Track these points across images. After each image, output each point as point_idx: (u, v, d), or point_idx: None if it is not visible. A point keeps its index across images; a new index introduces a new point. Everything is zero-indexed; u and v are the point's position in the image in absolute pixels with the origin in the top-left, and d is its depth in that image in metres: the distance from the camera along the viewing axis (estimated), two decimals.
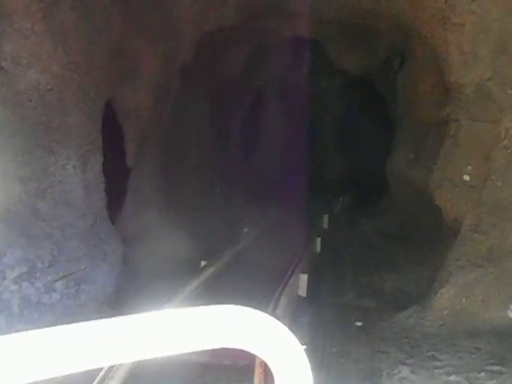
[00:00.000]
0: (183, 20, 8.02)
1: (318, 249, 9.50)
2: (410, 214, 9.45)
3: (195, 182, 9.99)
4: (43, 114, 5.18)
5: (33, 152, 5.18)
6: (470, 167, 6.40)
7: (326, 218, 11.67)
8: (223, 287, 6.15)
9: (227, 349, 0.72)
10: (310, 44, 12.89)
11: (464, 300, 5.54)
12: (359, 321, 6.05)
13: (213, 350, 0.72)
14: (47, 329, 0.67)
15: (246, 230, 9.88)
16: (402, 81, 10.08)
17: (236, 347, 0.71)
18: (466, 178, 6.37)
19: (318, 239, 9.60)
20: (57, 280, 5.20)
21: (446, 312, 5.59)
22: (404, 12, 7.30)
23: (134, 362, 3.86)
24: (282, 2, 8.95)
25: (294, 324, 5.56)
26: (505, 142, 6.02)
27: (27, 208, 5.09)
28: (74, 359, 0.64)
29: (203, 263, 7.10)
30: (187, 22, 8.09)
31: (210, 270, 6.72)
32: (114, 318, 0.69)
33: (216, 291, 5.97)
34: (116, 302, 5.94)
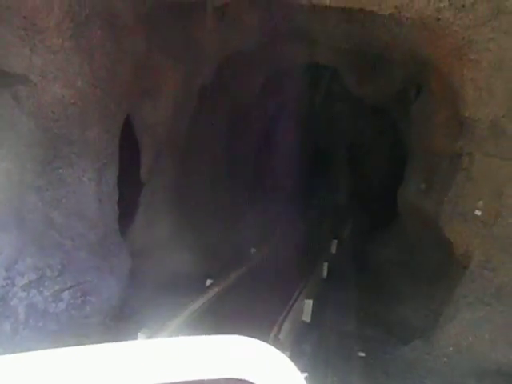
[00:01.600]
0: (206, 42, 8.25)
1: (325, 274, 9.43)
2: (419, 244, 9.38)
3: (206, 199, 10.07)
4: (65, 126, 5.34)
5: (51, 163, 5.32)
6: (481, 202, 6.37)
7: (334, 243, 11.60)
8: (227, 309, 6.14)
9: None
10: (328, 71, 13.10)
11: (470, 338, 5.45)
12: (362, 351, 5.97)
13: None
14: (51, 350, 0.68)
15: (253, 250, 9.88)
16: (417, 112, 10.14)
17: (238, 377, 0.73)
18: (478, 212, 6.34)
19: (325, 264, 9.54)
20: (64, 290, 5.26)
21: (451, 349, 5.50)
22: (421, 46, 7.42)
23: None
24: (303, 30, 9.16)
25: (296, 350, 5.51)
26: None
27: (41, 217, 5.20)
28: (77, 382, 0.65)
29: (209, 282, 7.10)
30: (210, 44, 8.31)
31: (215, 290, 6.72)
32: (116, 343, 0.70)
33: (220, 312, 5.96)
34: (120, 315, 5.97)
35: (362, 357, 5.77)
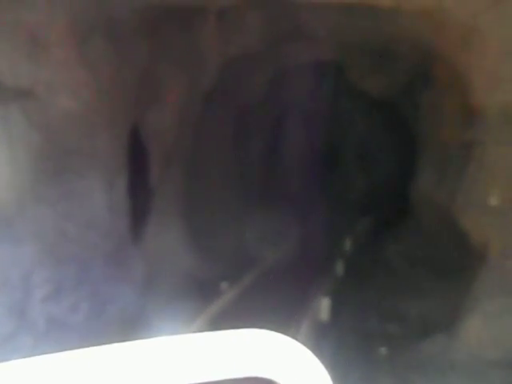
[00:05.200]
0: (207, 46, 8.26)
1: (341, 271, 9.38)
2: (435, 237, 9.25)
3: (217, 203, 10.08)
4: (73, 138, 5.39)
5: (62, 175, 5.37)
6: (496, 191, 6.26)
7: (348, 239, 11.55)
8: (244, 310, 6.13)
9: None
10: (332, 67, 13.02)
11: (492, 329, 5.34)
12: (384, 347, 5.90)
13: None
14: (69, 351, 0.67)
15: (266, 251, 9.87)
16: (425, 103, 10.03)
17: (260, 376, 0.70)
18: (493, 201, 6.23)
19: (340, 261, 9.50)
20: (82, 300, 5.30)
21: (473, 341, 5.40)
22: (426, 36, 7.33)
23: None
24: (305, 28, 9.12)
25: (315, 347, 5.46)
26: None
27: (55, 229, 5.25)
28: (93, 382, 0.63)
29: (223, 284, 7.12)
30: (211, 48, 8.32)
31: (231, 292, 6.73)
32: (130, 342, 0.68)
33: (236, 313, 5.96)
34: (138, 321, 5.99)
35: (383, 353, 5.71)
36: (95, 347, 0.67)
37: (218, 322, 5.60)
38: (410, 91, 11.14)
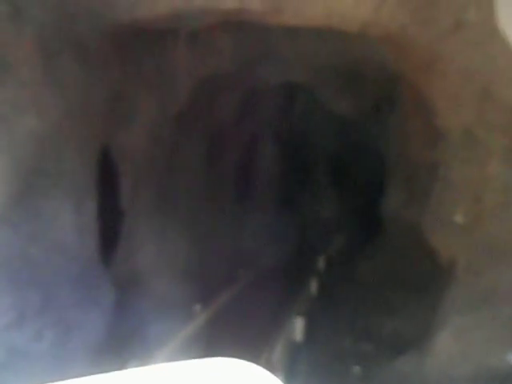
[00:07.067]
0: (179, 67, 8.31)
1: (314, 290, 9.39)
2: (406, 254, 9.42)
3: (189, 223, 9.97)
4: (40, 159, 5.24)
5: (26, 196, 5.19)
6: (461, 208, 6.47)
7: (321, 258, 11.62)
8: (217, 331, 6.03)
9: None
10: (302, 88, 13.32)
11: (462, 344, 5.43)
12: (357, 366, 5.90)
13: None
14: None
15: (240, 270, 9.80)
16: (392, 124, 10.36)
17: None
18: (458, 219, 6.42)
19: (314, 280, 9.52)
20: (46, 328, 5.07)
21: (444, 356, 5.47)
22: (390, 61, 7.62)
23: None
24: (275, 50, 9.33)
25: (290, 368, 5.40)
26: (494, 183, 6.13)
27: (18, 253, 5.03)
28: None
29: (197, 306, 6.99)
30: (183, 69, 8.37)
31: (204, 314, 6.61)
32: (101, 375, 0.67)
33: (210, 335, 5.85)
34: (107, 349, 5.77)
35: (357, 371, 5.70)
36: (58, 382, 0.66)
37: (192, 345, 5.47)
38: (378, 113, 11.50)
